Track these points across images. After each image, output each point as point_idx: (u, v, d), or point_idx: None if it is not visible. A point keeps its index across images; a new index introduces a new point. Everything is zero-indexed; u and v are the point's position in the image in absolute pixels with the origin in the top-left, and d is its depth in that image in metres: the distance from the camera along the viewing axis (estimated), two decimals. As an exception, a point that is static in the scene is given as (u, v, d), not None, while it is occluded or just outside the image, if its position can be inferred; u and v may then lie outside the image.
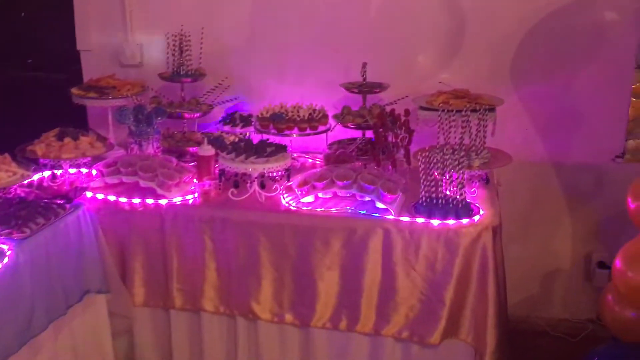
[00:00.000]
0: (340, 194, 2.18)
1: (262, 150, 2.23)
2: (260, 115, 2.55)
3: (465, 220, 2.02)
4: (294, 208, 2.17)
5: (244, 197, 2.21)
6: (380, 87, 2.56)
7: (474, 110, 2.28)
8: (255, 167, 2.19)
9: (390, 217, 2.07)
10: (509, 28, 2.61)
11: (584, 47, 2.59)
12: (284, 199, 2.22)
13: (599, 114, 2.65)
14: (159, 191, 2.24)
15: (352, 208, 2.14)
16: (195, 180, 2.35)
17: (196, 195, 2.28)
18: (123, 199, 2.26)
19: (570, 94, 2.67)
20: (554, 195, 2.80)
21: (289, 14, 2.75)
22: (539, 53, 2.62)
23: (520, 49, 2.63)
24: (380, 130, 2.33)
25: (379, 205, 2.10)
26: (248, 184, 2.22)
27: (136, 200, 2.24)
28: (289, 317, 2.20)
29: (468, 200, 2.12)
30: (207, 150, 2.36)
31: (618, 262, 1.64)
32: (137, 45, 2.91)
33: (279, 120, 2.46)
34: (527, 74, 2.66)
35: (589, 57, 2.60)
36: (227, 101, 2.80)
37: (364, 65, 2.55)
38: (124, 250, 2.28)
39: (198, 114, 2.69)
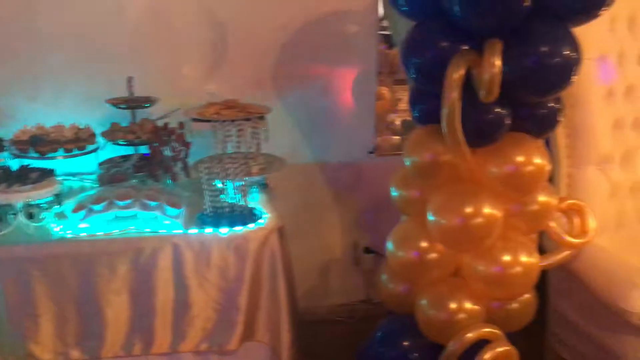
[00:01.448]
0: (122, 215, 2.08)
1: (25, 177, 2.03)
2: (15, 139, 2.29)
3: (251, 226, 2.10)
4: (70, 236, 2.01)
5: (8, 230, 1.98)
6: (149, 101, 2.50)
7: (246, 119, 2.37)
8: (18, 197, 1.98)
9: (178, 231, 2.05)
10: (268, 38, 2.73)
11: (336, 55, 2.84)
12: (56, 227, 2.04)
13: (353, 115, 2.95)
14: None
15: (136, 228, 2.06)
16: (-59, 218, 2.03)
17: (-55, 235, 1.97)
18: None
19: (328, 99, 2.91)
20: (322, 192, 3.04)
21: (36, 26, 2.51)
22: (297, 61, 2.81)
23: (281, 58, 2.78)
24: (155, 145, 2.28)
25: (165, 221, 2.06)
26: (12, 216, 1.99)
27: None
28: (75, 353, 2.04)
29: (251, 206, 2.20)
30: (-46, 182, 2.06)
31: (390, 245, 1.86)
32: None
33: (41, 143, 2.25)
34: (289, 80, 2.82)
35: (340, 64, 2.86)
36: (-31, 125, 2.46)
37: (130, 79, 2.46)
38: None
39: None
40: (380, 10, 2.85)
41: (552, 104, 1.73)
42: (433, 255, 1.81)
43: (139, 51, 2.60)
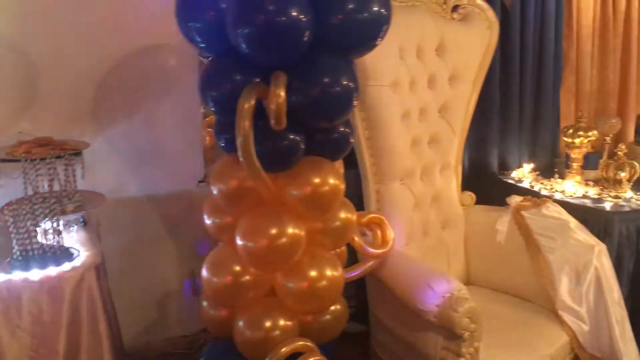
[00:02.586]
0: None
1: None
2: None
3: (66, 266, 2.04)
4: None
5: None
6: (-52, 142, 2.34)
7: (59, 157, 2.30)
8: None
9: (-18, 279, 1.94)
10: (84, 72, 2.68)
11: (159, 88, 2.85)
12: None
13: (181, 145, 2.97)
14: None
15: None
16: None
17: None
18: None
19: (154, 131, 2.90)
20: (154, 224, 3.01)
21: None
22: (119, 94, 2.78)
23: (100, 92, 2.74)
24: (-44, 189, 2.15)
25: (-33, 269, 1.95)
26: None
27: None
28: None
29: (67, 246, 2.14)
30: None
31: (204, 272, 1.91)
32: None
33: None
34: (110, 115, 2.79)
35: (164, 96, 2.87)
36: None
37: None
38: None
39: None
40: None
41: (343, 129, 1.89)
42: (247, 278, 1.88)
43: None
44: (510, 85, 3.22)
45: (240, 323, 1.89)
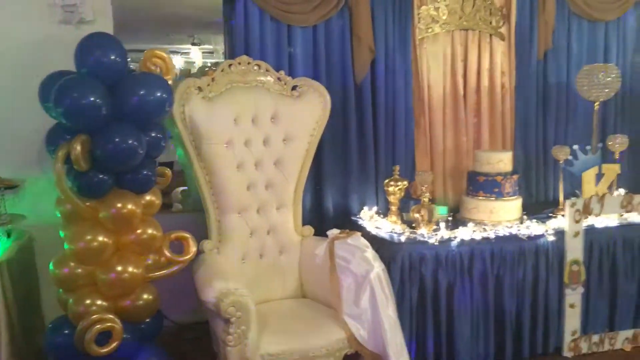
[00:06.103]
0: None
1: None
2: None
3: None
4: None
5: None
6: None
7: (-5, 189, 3.36)
8: None
9: None
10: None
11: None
12: None
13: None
14: None
15: None
16: None
17: None
18: None
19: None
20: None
21: None
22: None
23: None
24: None
25: None
26: None
27: None
28: None
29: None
30: None
31: (50, 265, 2.84)
32: None
33: None
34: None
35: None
36: None
37: None
38: None
39: None
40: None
41: (146, 172, 2.82)
42: (79, 271, 2.81)
43: None
44: (365, 145, 4.03)
45: (70, 301, 2.80)
